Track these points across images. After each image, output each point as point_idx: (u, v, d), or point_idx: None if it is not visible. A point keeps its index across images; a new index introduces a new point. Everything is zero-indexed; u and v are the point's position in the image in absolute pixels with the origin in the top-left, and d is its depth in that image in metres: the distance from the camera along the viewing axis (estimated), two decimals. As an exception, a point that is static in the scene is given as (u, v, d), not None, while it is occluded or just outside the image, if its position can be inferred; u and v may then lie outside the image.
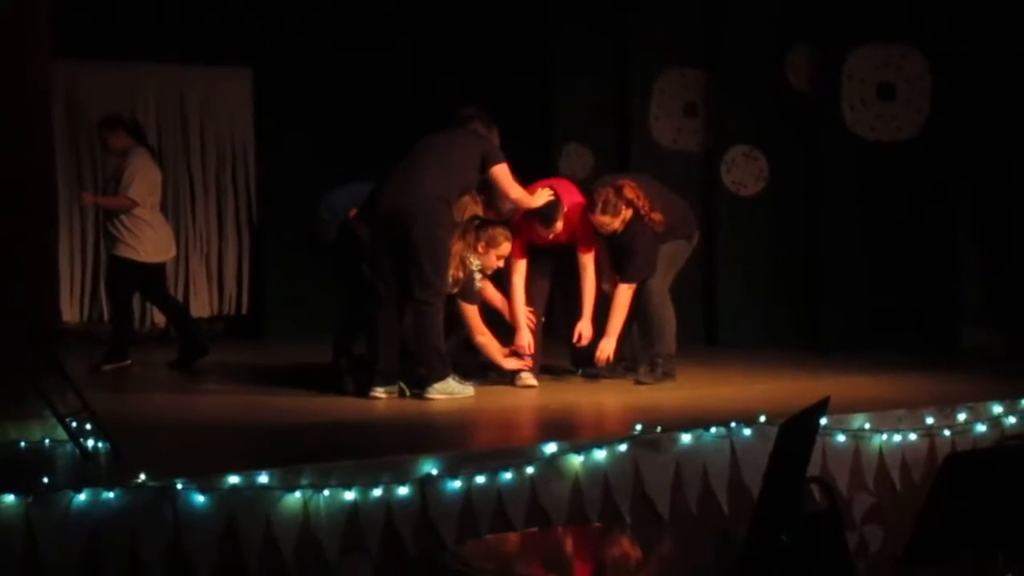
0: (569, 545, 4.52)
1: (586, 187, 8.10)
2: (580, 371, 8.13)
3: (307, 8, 11.20)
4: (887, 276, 9.37)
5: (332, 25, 11.28)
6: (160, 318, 10.71)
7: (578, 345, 7.90)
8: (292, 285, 11.01)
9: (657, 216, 7.70)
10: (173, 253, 9.37)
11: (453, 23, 11.23)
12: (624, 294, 7.73)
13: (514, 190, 7.52)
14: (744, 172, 10.03)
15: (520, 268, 7.83)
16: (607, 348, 7.74)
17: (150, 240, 8.89)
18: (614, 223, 7.67)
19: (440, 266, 7.24)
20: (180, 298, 10.92)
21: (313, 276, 9.77)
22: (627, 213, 7.68)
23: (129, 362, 8.93)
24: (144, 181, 8.90)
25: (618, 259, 7.83)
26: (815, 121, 9.65)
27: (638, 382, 7.75)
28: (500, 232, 7.64)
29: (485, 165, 7.38)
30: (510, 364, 7.72)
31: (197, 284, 11.43)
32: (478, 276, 7.66)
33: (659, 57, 10.35)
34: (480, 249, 7.62)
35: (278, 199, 11.23)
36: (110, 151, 9.19)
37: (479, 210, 7.73)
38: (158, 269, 9.09)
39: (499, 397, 7.44)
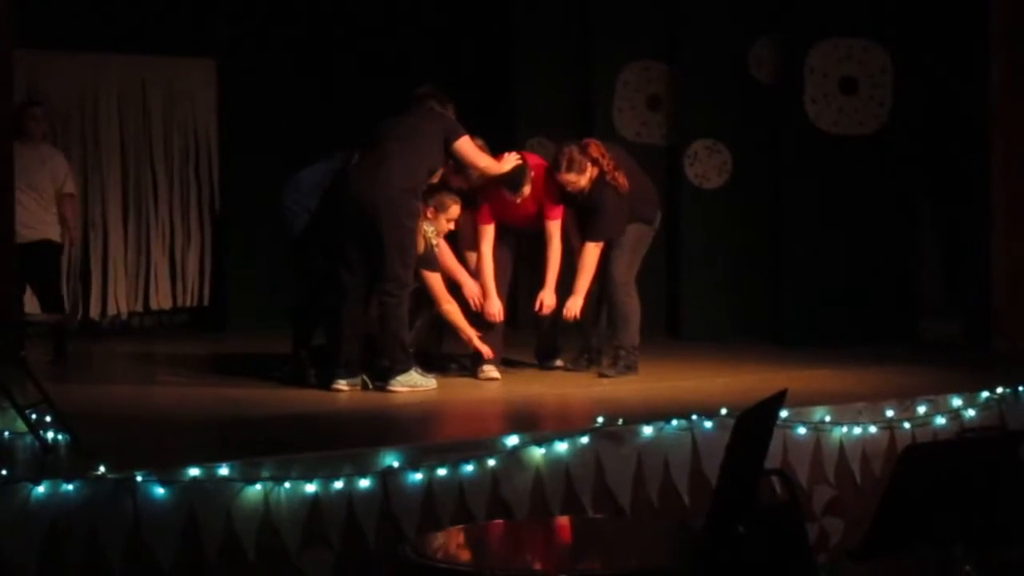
0: (530, 537, 4.53)
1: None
2: (542, 364, 8.13)
3: (271, -1, 11.17)
4: (848, 269, 9.42)
5: (296, 16, 11.23)
6: (123, 308, 10.80)
7: (540, 314, 7.83)
8: (254, 277, 10.96)
9: (621, 178, 7.66)
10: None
11: (417, 16, 11.21)
12: (591, 252, 7.67)
13: (481, 159, 7.51)
14: (707, 166, 10.06)
15: (488, 234, 7.76)
16: (573, 306, 7.68)
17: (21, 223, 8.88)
18: (580, 180, 7.62)
19: (407, 257, 7.23)
20: (142, 289, 11.06)
21: (275, 268, 9.74)
22: (593, 171, 7.63)
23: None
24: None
25: (584, 221, 7.77)
26: (778, 115, 9.69)
27: (600, 375, 7.76)
28: (447, 196, 7.60)
29: (448, 143, 7.37)
30: (476, 341, 7.64)
31: (159, 275, 11.37)
32: (435, 242, 7.61)
33: (623, 50, 10.34)
34: (429, 215, 7.57)
35: (241, 191, 11.18)
36: (29, 135, 9.06)
37: (445, 176, 7.66)
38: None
39: (462, 390, 7.44)
